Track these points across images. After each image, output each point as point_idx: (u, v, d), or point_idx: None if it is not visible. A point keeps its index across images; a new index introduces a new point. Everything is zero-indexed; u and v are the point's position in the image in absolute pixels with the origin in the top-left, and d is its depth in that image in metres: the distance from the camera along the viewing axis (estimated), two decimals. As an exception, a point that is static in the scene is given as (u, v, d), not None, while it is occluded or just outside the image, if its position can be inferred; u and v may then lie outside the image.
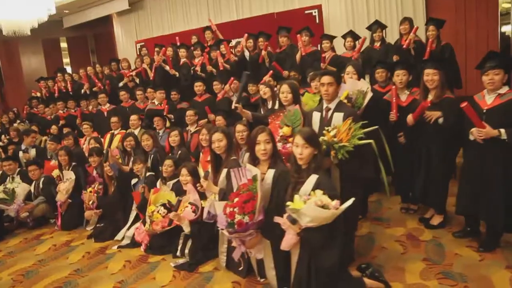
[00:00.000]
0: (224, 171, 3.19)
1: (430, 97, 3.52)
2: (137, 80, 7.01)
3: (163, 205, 3.65)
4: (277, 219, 2.62)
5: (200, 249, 3.51)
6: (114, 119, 5.86)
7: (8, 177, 5.14)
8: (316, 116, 3.29)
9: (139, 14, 10.23)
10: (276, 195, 2.78)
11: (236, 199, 2.75)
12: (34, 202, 4.84)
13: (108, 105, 6.77)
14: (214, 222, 3.39)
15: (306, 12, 7.92)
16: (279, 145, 3.43)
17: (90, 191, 4.57)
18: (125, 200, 4.33)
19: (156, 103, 6.17)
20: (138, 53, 9.43)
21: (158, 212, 3.64)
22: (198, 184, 3.34)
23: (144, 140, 4.60)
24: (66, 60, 11.18)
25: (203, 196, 3.47)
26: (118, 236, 4.20)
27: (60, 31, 10.77)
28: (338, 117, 3.14)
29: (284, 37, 5.88)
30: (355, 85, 3.75)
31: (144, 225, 3.82)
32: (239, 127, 3.82)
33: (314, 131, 2.74)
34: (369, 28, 5.46)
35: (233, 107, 3.73)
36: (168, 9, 9.86)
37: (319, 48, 5.76)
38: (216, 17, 9.26)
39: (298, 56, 5.64)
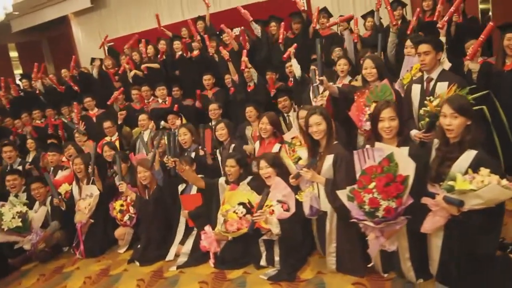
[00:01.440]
0: (329, 158, 2.75)
1: (508, 63, 3.38)
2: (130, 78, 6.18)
3: (242, 204, 3.09)
4: (426, 200, 2.30)
5: (292, 253, 3.02)
6: (107, 123, 5.06)
7: (11, 196, 4.13)
8: (416, 89, 3.01)
9: (102, 12, 9.25)
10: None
11: (372, 184, 2.34)
12: (48, 229, 3.93)
13: (96, 109, 5.90)
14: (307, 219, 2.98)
15: (294, -1, 7.65)
16: (369, 124, 3.09)
17: (122, 205, 3.81)
18: (166, 212, 3.67)
19: (160, 101, 5.48)
20: (106, 54, 8.53)
21: (234, 211, 3.08)
22: (291, 176, 2.84)
23: (180, 134, 3.96)
24: (17, 71, 9.70)
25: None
26: (169, 256, 3.53)
27: (8, 36, 9.34)
28: (442, 87, 2.88)
29: (297, 23, 5.52)
30: (425, 56, 3.52)
31: (213, 229, 3.24)
32: (303, 113, 3.42)
33: (465, 98, 2.41)
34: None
35: (317, 82, 3.29)
36: (135, 4, 9.03)
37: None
38: (190, 11, 8.68)
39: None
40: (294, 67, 4.81)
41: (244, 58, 5.00)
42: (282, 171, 3.03)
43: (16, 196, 4.29)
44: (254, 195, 3.15)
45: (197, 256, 3.36)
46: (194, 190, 3.54)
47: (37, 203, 4.18)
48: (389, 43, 4.60)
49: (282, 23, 5.33)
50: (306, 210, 2.79)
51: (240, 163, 3.35)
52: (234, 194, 3.21)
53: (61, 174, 4.40)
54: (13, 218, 3.71)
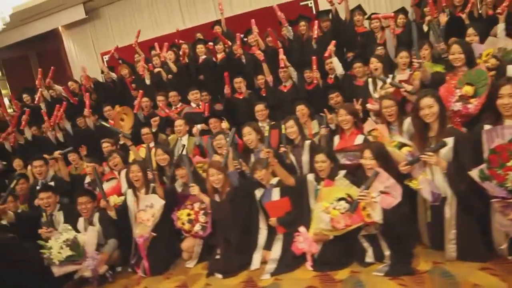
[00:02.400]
0: (448, 141, 2.63)
1: None
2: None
3: (342, 199, 2.90)
4: None
5: (401, 245, 2.86)
6: (145, 130, 4.79)
7: (45, 216, 3.69)
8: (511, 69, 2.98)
9: (95, 23, 8.82)
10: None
11: (512, 162, 2.27)
12: (107, 249, 3.53)
13: (116, 118, 5.53)
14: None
15: (302, 3, 7.68)
16: (458, 105, 3.08)
17: (189, 214, 3.50)
18: (244, 216, 3.41)
19: (193, 105, 5.22)
20: (105, 65, 8.14)
21: (334, 208, 2.88)
22: (403, 164, 2.70)
23: (245, 134, 3.73)
24: (4, 90, 8.94)
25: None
26: (255, 264, 3.23)
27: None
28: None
29: (326, 21, 5.49)
30: (494, 43, 3.58)
31: (308, 230, 3.02)
32: (386, 102, 3.34)
33: None
34: (418, 4, 5.38)
35: (416, 64, 3.21)
36: (131, 14, 8.70)
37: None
38: (191, 19, 8.50)
39: (350, 37, 5.29)
40: (335, 64, 4.74)
41: (282, 56, 4.88)
42: (387, 163, 2.88)
43: (51, 215, 3.87)
44: (354, 188, 2.97)
45: (288, 261, 3.11)
46: (275, 194, 3.30)
47: (81, 220, 3.76)
48: (432, 36, 4.63)
49: (316, 21, 5.27)
50: (428, 196, 2.66)
51: (330, 157, 3.18)
52: (331, 190, 3.02)
53: (108, 186, 4.00)
54: (61, 248, 3.31)
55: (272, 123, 4.46)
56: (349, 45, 5.33)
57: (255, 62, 5.48)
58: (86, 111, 5.27)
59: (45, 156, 4.59)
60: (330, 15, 5.50)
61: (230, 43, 5.63)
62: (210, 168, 3.38)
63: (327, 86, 4.76)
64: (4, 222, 3.90)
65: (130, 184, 3.70)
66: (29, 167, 5.15)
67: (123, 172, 4.10)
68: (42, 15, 8.27)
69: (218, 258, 3.34)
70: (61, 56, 8.98)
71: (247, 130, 3.77)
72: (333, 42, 4.76)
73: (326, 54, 4.72)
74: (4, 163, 5.85)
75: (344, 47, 5.38)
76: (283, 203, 3.25)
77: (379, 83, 4.03)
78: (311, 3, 7.62)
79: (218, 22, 6.41)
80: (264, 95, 5.25)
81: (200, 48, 5.80)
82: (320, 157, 3.15)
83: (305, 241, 3.00)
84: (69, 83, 6.27)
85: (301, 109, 4.27)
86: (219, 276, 3.22)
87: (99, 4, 8.62)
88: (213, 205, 3.35)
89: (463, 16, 4.67)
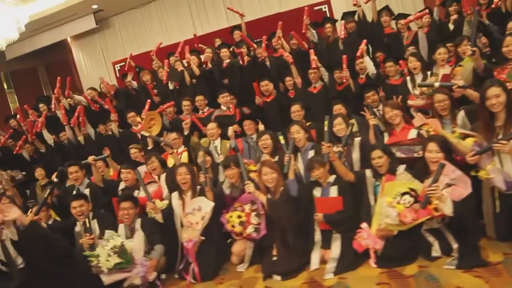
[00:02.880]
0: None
1: None
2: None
3: (406, 193, 2.84)
4: None
5: (468, 237, 2.81)
6: (173, 135, 4.69)
7: (79, 225, 3.59)
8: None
9: (105, 33, 8.78)
10: None
11: None
12: (155, 256, 3.39)
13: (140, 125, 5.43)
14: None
15: (316, 8, 7.72)
16: None
17: (240, 216, 3.41)
18: (300, 215, 3.33)
19: (224, 108, 5.15)
20: (117, 75, 8.10)
21: (398, 202, 2.83)
22: (471, 154, 2.66)
23: (293, 132, 3.67)
24: (12, 104, 8.79)
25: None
26: (314, 264, 3.14)
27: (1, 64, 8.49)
28: None
29: (351, 22, 5.52)
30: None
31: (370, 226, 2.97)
32: (439, 96, 3.32)
33: None
34: (443, 4, 5.43)
35: (469, 52, 3.21)
36: (141, 23, 8.68)
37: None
38: (203, 26, 8.51)
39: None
40: (368, 64, 4.75)
41: (314, 57, 4.87)
42: (450, 157, 2.85)
43: (88, 223, 3.74)
44: (416, 182, 2.93)
45: (348, 260, 3.02)
46: (333, 193, 3.24)
47: (121, 227, 3.64)
48: (466, 31, 4.66)
49: (343, 21, 5.30)
50: (502, 185, 2.61)
51: (387, 152, 3.13)
52: (393, 184, 2.96)
53: (150, 190, 3.88)
54: (109, 256, 3.18)
55: (309, 123, 4.42)
56: (375, 46, 5.34)
57: (279, 65, 5.48)
58: (113, 115, 5.16)
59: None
60: (356, 17, 5.54)
61: (255, 45, 5.60)
62: (264, 167, 3.32)
63: (360, 85, 4.74)
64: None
65: (175, 187, 3.60)
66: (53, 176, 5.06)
67: (163, 176, 4.02)
68: (52, 26, 8.18)
69: (274, 259, 3.24)
70: (70, 66, 8.88)
71: (295, 128, 3.70)
72: (364, 41, 4.77)
73: (358, 54, 4.72)
74: (24, 173, 5.72)
75: (371, 47, 5.41)
76: (336, 201, 3.19)
77: (418, 79, 4.04)
78: (325, 7, 7.65)
79: (237, 27, 6.40)
80: (292, 96, 5.22)
81: (224, 52, 5.76)
82: (376, 153, 3.10)
83: (369, 237, 2.94)
84: (88, 91, 6.17)
85: (338, 109, 4.24)
86: (278, 278, 3.11)
87: (109, 14, 8.58)
88: (269, 204, 3.26)
89: (483, 16, 4.74)
